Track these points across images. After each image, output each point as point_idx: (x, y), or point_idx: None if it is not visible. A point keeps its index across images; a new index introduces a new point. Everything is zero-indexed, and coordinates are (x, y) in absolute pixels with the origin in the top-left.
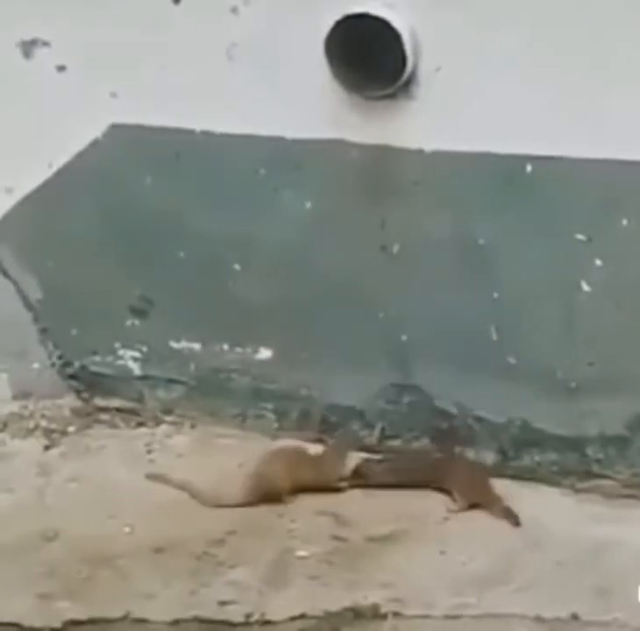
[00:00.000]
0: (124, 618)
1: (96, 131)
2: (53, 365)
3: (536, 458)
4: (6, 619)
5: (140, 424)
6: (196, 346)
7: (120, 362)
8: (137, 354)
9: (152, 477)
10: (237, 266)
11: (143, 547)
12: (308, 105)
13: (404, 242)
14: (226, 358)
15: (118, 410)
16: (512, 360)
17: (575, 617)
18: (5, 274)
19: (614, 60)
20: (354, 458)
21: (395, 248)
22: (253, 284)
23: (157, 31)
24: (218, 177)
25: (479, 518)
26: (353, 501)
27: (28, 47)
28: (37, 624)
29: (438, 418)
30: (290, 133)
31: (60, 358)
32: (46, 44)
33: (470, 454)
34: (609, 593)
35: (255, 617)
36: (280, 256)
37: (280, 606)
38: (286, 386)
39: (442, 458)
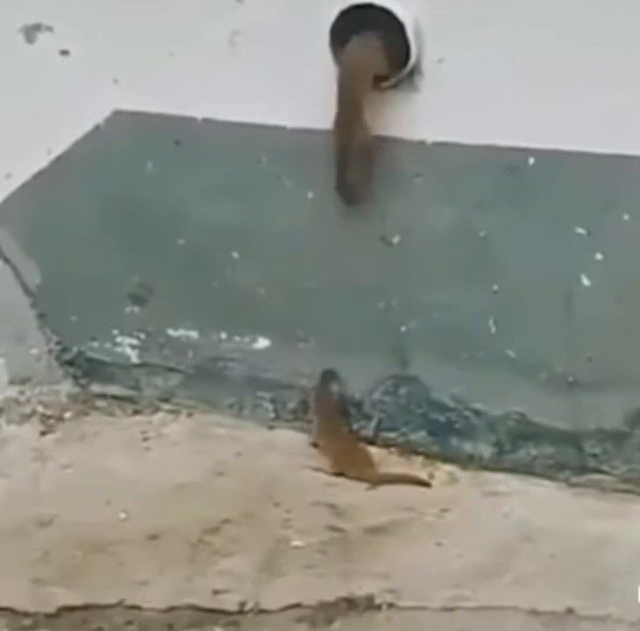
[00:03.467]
0: (118, 604)
1: (97, 117)
2: (50, 350)
3: (533, 452)
4: (0, 603)
5: (137, 412)
6: (194, 334)
7: (118, 349)
8: (135, 341)
9: None
10: (236, 255)
11: (138, 534)
12: (310, 95)
13: (405, 233)
14: (224, 347)
15: (115, 397)
16: (511, 353)
17: (570, 611)
18: (4, 259)
19: (618, 55)
20: None
21: (396, 239)
22: (252, 273)
23: (160, 18)
24: (219, 165)
25: (475, 511)
26: (349, 492)
27: (31, 32)
28: (31, 609)
29: (435, 410)
30: (292, 122)
31: (57, 343)
32: (49, 28)
33: (467, 446)
34: (605, 588)
35: (249, 606)
36: (280, 245)
37: (274, 596)
38: (283, 376)
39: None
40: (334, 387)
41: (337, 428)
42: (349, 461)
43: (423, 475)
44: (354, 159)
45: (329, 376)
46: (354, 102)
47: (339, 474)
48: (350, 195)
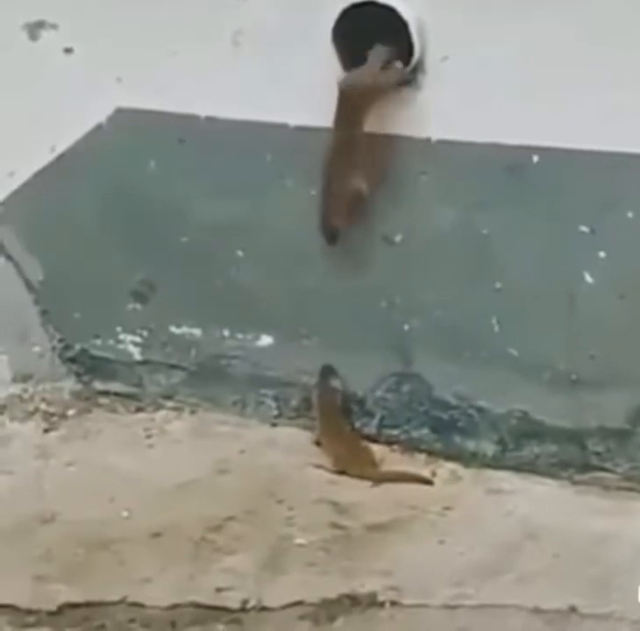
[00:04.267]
0: (121, 602)
1: (100, 115)
2: (53, 348)
3: (536, 450)
4: (2, 600)
5: (139, 409)
6: (197, 332)
7: (121, 346)
8: (137, 339)
9: None
10: (239, 253)
11: (140, 531)
12: (313, 93)
13: (408, 231)
14: (227, 345)
15: (118, 395)
16: (513, 351)
17: (573, 609)
18: (7, 256)
19: (621, 53)
20: None
21: (398, 238)
22: (255, 271)
23: (164, 17)
24: (222, 163)
25: (478, 509)
26: (352, 489)
27: (35, 29)
28: (33, 606)
29: (438, 408)
30: (295, 120)
31: (60, 341)
32: (53, 26)
33: (470, 444)
34: (608, 586)
35: (252, 603)
36: (283, 243)
37: (277, 593)
38: (286, 374)
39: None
40: (336, 385)
41: (340, 427)
42: (351, 459)
43: (426, 473)
44: (343, 206)
45: (328, 372)
46: (350, 143)
47: (342, 472)
48: (333, 237)
